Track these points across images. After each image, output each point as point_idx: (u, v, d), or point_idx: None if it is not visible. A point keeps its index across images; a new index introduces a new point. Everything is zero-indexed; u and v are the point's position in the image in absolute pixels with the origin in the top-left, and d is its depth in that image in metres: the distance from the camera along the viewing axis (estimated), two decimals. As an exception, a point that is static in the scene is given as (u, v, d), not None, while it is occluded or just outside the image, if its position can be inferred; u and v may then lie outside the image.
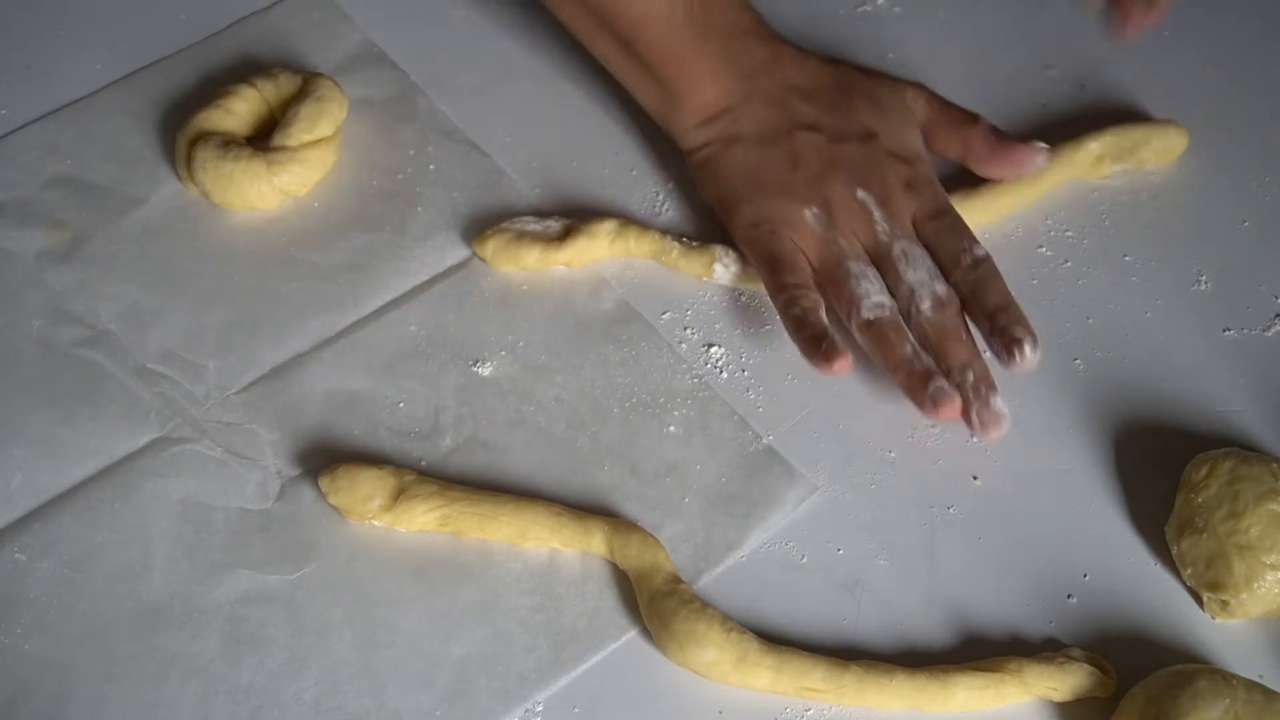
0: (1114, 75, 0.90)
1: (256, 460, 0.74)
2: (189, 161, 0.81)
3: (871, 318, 0.75)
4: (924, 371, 0.73)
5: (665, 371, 0.77)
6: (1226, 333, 0.80)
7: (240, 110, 0.83)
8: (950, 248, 0.76)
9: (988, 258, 0.76)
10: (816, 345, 0.73)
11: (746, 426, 0.75)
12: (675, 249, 0.80)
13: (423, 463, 0.74)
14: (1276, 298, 0.82)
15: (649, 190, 0.85)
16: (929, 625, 0.70)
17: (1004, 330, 0.73)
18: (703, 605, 0.68)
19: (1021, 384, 0.77)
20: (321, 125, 0.82)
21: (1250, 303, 0.81)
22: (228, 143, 0.81)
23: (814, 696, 0.67)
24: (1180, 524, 0.71)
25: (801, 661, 0.67)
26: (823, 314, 0.75)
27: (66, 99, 0.87)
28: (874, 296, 0.75)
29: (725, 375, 0.78)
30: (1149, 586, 0.72)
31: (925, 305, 0.75)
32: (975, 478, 0.75)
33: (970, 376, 0.73)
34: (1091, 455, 0.76)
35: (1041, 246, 0.83)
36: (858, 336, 0.76)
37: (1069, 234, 0.84)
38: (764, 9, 0.93)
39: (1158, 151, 0.85)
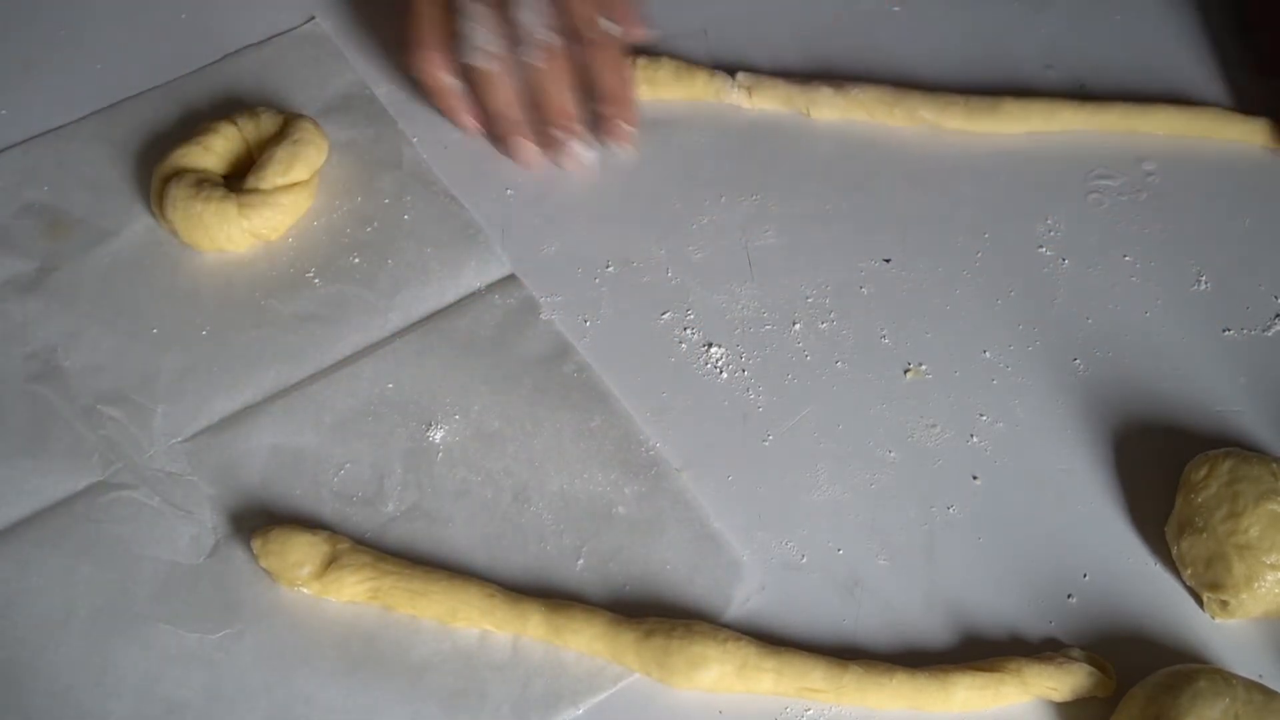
0: (1113, 76, 0.90)
1: (193, 514, 0.72)
2: (161, 198, 0.80)
3: (472, 61, 0.78)
4: (512, 123, 0.78)
5: (620, 444, 0.75)
6: (1226, 333, 0.80)
7: (219, 148, 0.82)
8: (583, 11, 0.78)
9: (619, 37, 0.78)
10: (441, 100, 0.79)
11: (696, 510, 0.73)
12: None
13: (364, 529, 0.72)
14: (1276, 298, 0.82)
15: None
16: (929, 625, 0.70)
17: (606, 120, 0.78)
18: (688, 626, 0.68)
19: (1022, 384, 0.78)
20: (296, 169, 0.80)
21: (1250, 303, 0.81)
22: (201, 181, 0.79)
23: (814, 696, 0.67)
24: (1180, 524, 0.71)
25: (801, 662, 0.67)
26: (438, 71, 0.79)
27: (52, 124, 0.86)
28: (477, 40, 0.78)
29: (725, 375, 0.78)
30: (1149, 586, 0.72)
31: (530, 54, 0.77)
32: (975, 478, 0.75)
33: (560, 127, 0.78)
34: (1091, 455, 0.76)
35: (1041, 247, 0.83)
36: (462, 76, 0.79)
37: (1069, 234, 0.84)
38: (763, 8, 0.93)
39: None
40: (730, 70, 0.88)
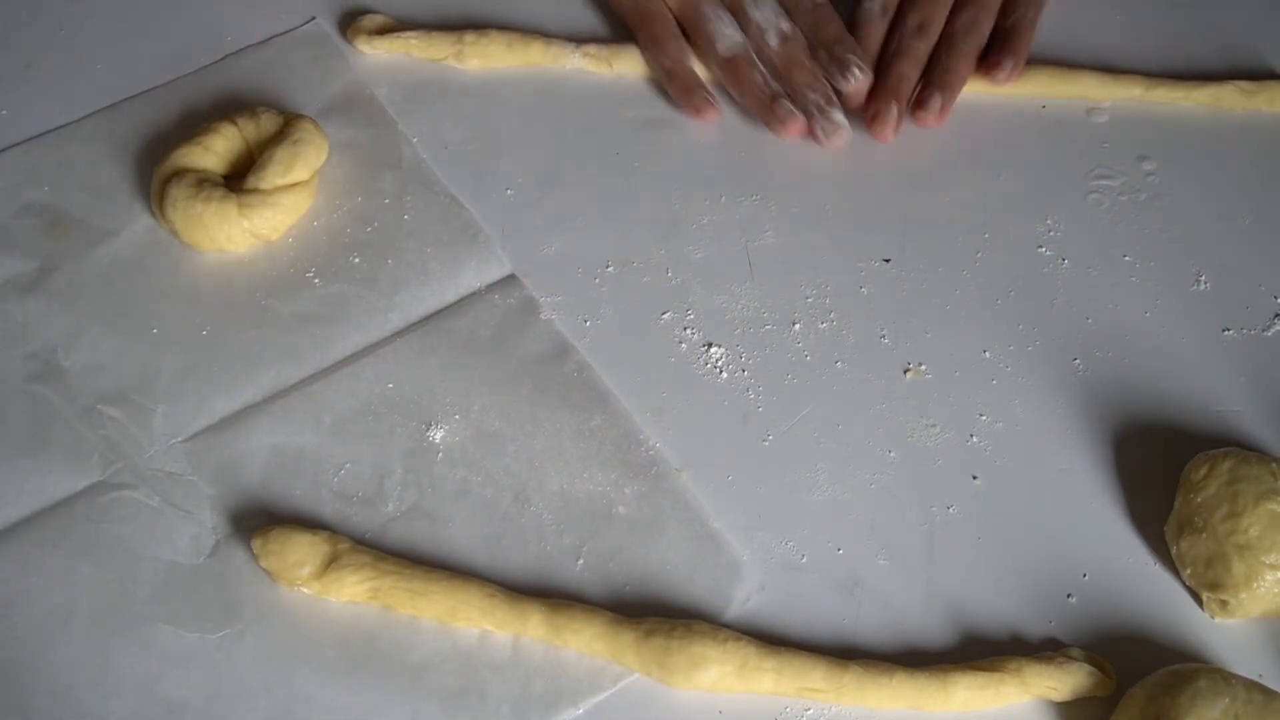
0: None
1: (193, 514, 0.72)
2: (161, 198, 0.80)
3: (726, 54, 0.87)
4: (773, 95, 0.85)
5: (620, 444, 0.75)
6: (1226, 333, 0.80)
7: (219, 148, 0.82)
8: None
9: (826, 2, 0.89)
10: (689, 95, 0.87)
11: (695, 510, 0.73)
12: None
13: (364, 529, 0.72)
14: (1276, 298, 0.82)
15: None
16: (929, 625, 0.70)
17: (839, 58, 0.86)
18: (688, 626, 0.68)
19: (1022, 384, 0.78)
20: (297, 169, 0.80)
21: (1250, 303, 0.81)
22: (202, 181, 0.79)
23: (814, 696, 0.67)
24: (1180, 524, 0.71)
25: (801, 662, 0.67)
26: (690, 62, 0.88)
27: (52, 124, 0.86)
28: (727, 33, 0.87)
29: (725, 375, 0.78)
30: (1149, 586, 0.72)
31: (773, 40, 0.87)
32: (975, 478, 0.75)
33: (812, 96, 0.85)
34: (1091, 455, 0.76)
35: (1041, 247, 0.83)
36: (717, 72, 0.88)
37: (1069, 234, 0.84)
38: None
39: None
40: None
